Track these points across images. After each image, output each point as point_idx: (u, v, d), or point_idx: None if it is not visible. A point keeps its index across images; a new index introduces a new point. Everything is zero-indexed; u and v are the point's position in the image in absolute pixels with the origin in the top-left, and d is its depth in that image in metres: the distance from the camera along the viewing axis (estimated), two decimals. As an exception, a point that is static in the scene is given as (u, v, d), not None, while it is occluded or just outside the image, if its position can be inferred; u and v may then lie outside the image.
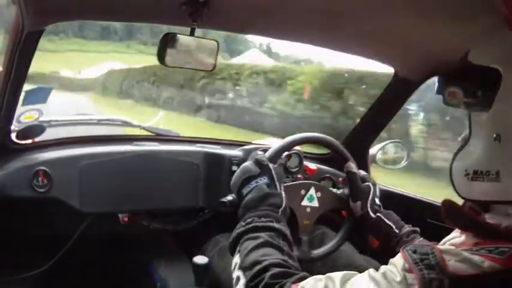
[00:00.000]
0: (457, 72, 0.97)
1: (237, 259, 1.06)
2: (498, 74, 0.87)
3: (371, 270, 0.90)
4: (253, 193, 1.20)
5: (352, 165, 1.53)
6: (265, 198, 1.18)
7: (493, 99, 0.88)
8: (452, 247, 0.87)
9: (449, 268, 0.78)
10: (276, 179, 1.24)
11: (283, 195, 1.22)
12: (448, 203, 0.93)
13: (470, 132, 0.94)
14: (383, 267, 0.89)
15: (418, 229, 1.44)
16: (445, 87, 0.97)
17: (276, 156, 1.35)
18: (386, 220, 1.45)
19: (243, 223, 1.12)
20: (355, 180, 1.53)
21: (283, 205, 1.19)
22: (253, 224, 1.10)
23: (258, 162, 1.27)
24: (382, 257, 1.42)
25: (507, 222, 0.86)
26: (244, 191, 1.23)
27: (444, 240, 1.00)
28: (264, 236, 1.06)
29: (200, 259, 1.57)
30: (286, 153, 1.86)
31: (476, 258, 0.80)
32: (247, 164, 1.28)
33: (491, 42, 0.95)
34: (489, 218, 0.89)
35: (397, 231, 1.42)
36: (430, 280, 0.78)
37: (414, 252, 0.84)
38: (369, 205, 1.48)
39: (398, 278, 0.82)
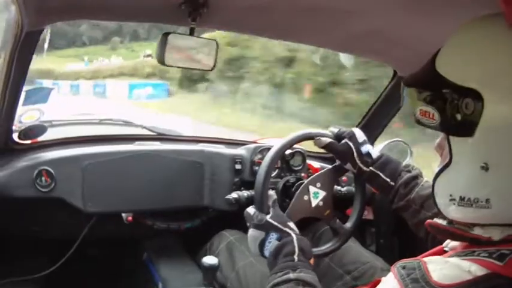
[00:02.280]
0: (428, 84, 0.85)
1: None
2: (479, 96, 0.76)
3: None
4: (270, 252, 1.23)
5: (320, 141, 1.45)
6: (278, 251, 1.20)
7: (475, 125, 0.77)
8: (444, 256, 0.85)
9: (434, 278, 0.76)
10: (282, 227, 1.25)
11: (295, 238, 1.21)
12: (431, 224, 0.90)
13: (451, 156, 0.83)
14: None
15: (418, 172, 1.36)
16: (417, 103, 0.86)
17: (265, 204, 1.32)
18: (380, 174, 1.37)
19: (259, 273, 1.19)
20: (332, 148, 1.45)
21: (296, 250, 1.18)
22: (272, 282, 1.12)
23: (258, 226, 1.27)
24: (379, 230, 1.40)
25: (497, 236, 0.79)
26: (266, 253, 1.24)
27: (448, 240, 0.98)
28: None
29: (210, 259, 1.56)
30: (289, 151, 1.86)
31: (464, 263, 0.77)
32: (251, 233, 1.29)
33: (463, 55, 0.82)
34: (478, 231, 0.83)
35: (392, 183, 1.36)
36: None
37: (403, 268, 0.81)
38: (357, 160, 1.41)
39: None
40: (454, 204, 0.83)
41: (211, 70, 1.48)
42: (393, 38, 1.43)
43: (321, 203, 1.46)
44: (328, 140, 1.45)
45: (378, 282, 0.91)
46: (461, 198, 0.81)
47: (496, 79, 0.76)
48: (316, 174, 1.51)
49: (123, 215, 1.96)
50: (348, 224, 1.52)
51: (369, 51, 1.71)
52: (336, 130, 1.49)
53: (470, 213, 0.81)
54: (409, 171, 1.36)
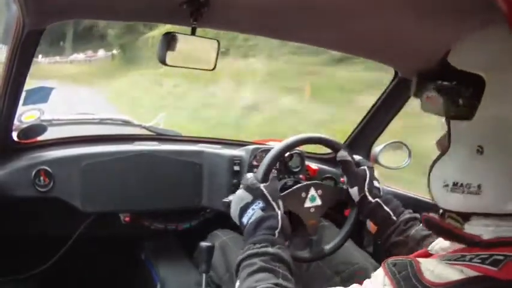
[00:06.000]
0: (437, 74, 0.90)
1: (237, 285, 1.08)
2: (481, 81, 0.81)
3: (355, 286, 0.92)
4: (251, 220, 1.21)
5: (344, 153, 1.50)
6: (261, 222, 1.19)
7: (475, 108, 0.81)
8: (434, 258, 0.85)
9: (426, 277, 0.77)
10: (271, 199, 1.24)
11: (279, 215, 1.21)
12: (426, 218, 0.92)
13: (450, 140, 0.88)
14: (365, 282, 0.89)
15: (417, 215, 1.39)
16: (423, 90, 0.91)
17: (265, 176, 1.34)
18: (384, 206, 1.42)
19: (241, 251, 1.14)
20: (349, 167, 1.50)
21: (279, 226, 1.18)
22: (249, 252, 1.11)
23: (249, 188, 1.27)
24: (381, 245, 1.42)
25: (488, 234, 0.81)
26: (244, 220, 1.23)
27: (434, 243, 0.98)
28: (258, 262, 1.07)
29: (206, 243, 1.56)
30: (287, 153, 1.86)
31: (456, 267, 0.77)
32: (240, 192, 1.29)
33: (473, 45, 0.88)
34: (468, 229, 0.85)
35: (394, 218, 1.39)
36: None
37: (394, 265, 0.83)
38: (366, 189, 1.45)
39: None
40: (447, 190, 0.86)
41: (212, 70, 1.48)
42: (394, 38, 1.44)
43: (312, 209, 1.47)
44: (349, 158, 1.50)
45: None
46: (454, 184, 0.85)
47: (498, 66, 0.81)
48: (323, 182, 1.53)
49: (121, 215, 1.96)
50: (327, 246, 1.52)
51: (369, 51, 1.71)
52: (358, 157, 1.55)
53: (462, 201, 0.84)
54: (410, 213, 1.42)
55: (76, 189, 1.77)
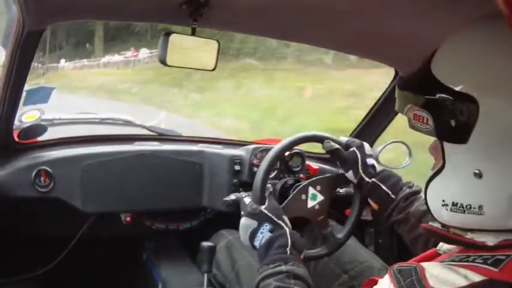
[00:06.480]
0: (422, 85, 0.83)
1: None
2: (474, 100, 0.74)
3: None
4: (261, 243, 1.22)
5: (329, 144, 1.45)
6: (271, 243, 1.19)
7: (469, 132, 0.76)
8: (439, 260, 0.85)
9: (431, 284, 0.76)
10: (276, 219, 1.24)
11: (288, 232, 1.22)
12: (428, 228, 0.91)
13: (444, 161, 0.82)
14: None
15: (419, 188, 1.35)
16: (411, 106, 0.83)
17: (262, 196, 1.33)
18: (381, 185, 1.37)
19: (257, 273, 1.16)
20: (338, 154, 1.45)
21: (289, 243, 1.18)
22: (263, 274, 1.12)
23: (251, 214, 1.27)
24: (383, 223, 1.40)
25: (492, 242, 0.79)
26: (256, 244, 1.24)
27: (441, 244, 0.97)
28: (273, 282, 1.08)
29: (208, 243, 1.56)
30: (287, 152, 1.86)
31: (461, 270, 0.76)
32: (244, 220, 1.29)
33: (455, 54, 0.81)
34: (471, 236, 0.83)
35: (393, 196, 1.35)
36: None
37: (399, 272, 0.82)
38: (360, 170, 1.41)
39: None
40: (446, 209, 0.83)
41: (212, 70, 1.48)
42: (393, 38, 1.44)
43: (317, 206, 1.46)
44: (336, 145, 1.45)
45: (373, 281, 0.92)
46: (454, 204, 0.82)
47: (492, 85, 0.75)
48: (318, 177, 1.50)
49: (122, 215, 1.96)
50: (340, 235, 1.51)
51: (369, 51, 1.71)
52: (346, 139, 1.51)
53: (462, 219, 0.82)
54: (410, 187, 1.37)
55: (76, 190, 1.77)
